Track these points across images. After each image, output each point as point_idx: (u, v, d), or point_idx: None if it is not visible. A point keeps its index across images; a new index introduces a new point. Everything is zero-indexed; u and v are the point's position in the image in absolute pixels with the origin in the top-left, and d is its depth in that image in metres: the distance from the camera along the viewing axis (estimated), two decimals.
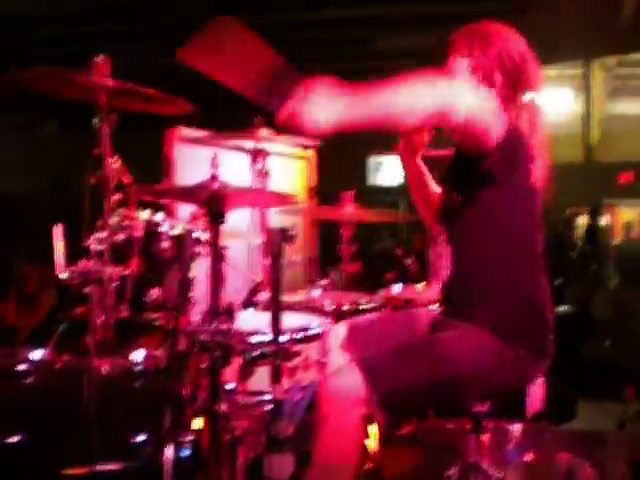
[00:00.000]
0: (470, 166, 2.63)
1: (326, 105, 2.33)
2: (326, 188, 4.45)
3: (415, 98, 2.38)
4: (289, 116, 2.32)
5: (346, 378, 2.51)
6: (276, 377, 2.11)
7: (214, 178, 2.28)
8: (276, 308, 2.08)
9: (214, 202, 2.29)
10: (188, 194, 2.52)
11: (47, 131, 17.58)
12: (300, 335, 2.77)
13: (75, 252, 2.98)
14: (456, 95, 2.42)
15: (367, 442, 3.79)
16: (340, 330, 2.95)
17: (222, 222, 2.33)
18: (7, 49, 12.51)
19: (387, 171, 15.45)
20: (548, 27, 9.83)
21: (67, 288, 2.91)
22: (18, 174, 14.10)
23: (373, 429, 3.74)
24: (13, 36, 12.49)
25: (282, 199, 2.48)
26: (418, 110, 2.39)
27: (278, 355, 2.06)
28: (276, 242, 2.07)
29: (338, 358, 2.85)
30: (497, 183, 2.60)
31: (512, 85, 2.71)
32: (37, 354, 2.53)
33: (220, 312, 2.34)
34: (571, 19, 11.32)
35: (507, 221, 2.66)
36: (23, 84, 2.83)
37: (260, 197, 2.61)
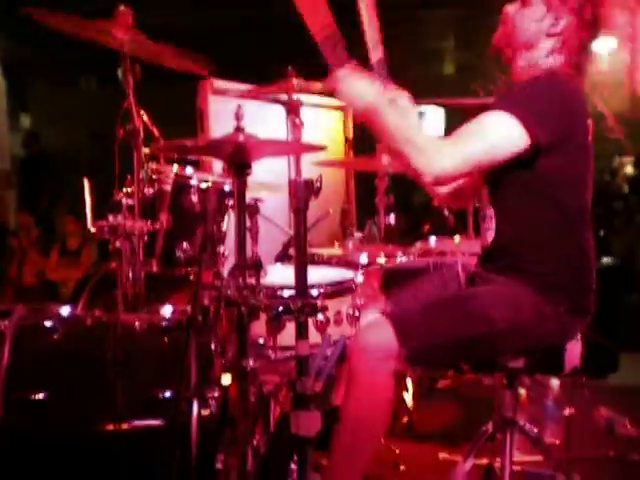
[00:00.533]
0: None
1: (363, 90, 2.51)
2: (368, 138, 4.37)
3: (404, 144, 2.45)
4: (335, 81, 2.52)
5: (377, 333, 2.47)
6: (301, 333, 2.06)
7: (238, 130, 2.22)
8: (300, 263, 2.03)
9: (237, 155, 2.23)
10: (210, 149, 2.46)
11: (87, 87, 17.65)
12: (330, 289, 2.73)
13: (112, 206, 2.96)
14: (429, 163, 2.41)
15: (404, 396, 3.78)
16: (374, 278, 2.90)
17: (247, 175, 2.27)
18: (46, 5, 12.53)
19: (430, 121, 15.26)
20: None
21: (108, 243, 2.90)
22: (59, 129, 14.17)
23: (409, 383, 3.72)
24: None
25: (309, 150, 2.41)
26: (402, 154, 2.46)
27: (302, 311, 2.02)
28: (300, 195, 2.01)
29: (371, 311, 2.82)
30: (548, 151, 2.51)
31: (582, 33, 2.61)
32: (65, 310, 2.51)
33: (248, 266, 2.30)
34: None
35: (556, 182, 2.56)
36: (46, 21, 2.80)
37: (286, 148, 2.54)
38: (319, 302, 2.10)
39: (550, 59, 2.63)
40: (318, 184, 2.06)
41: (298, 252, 2.02)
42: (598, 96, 2.70)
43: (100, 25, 2.81)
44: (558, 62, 2.63)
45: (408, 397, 3.75)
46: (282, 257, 3.51)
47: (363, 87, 2.53)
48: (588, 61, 2.66)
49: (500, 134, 2.45)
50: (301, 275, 2.04)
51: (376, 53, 2.85)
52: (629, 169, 12.38)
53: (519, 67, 2.68)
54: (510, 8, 2.69)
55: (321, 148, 2.41)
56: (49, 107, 15.96)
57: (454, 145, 2.43)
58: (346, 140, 5.35)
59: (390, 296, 2.82)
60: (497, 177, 2.60)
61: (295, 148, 2.47)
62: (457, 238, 4.04)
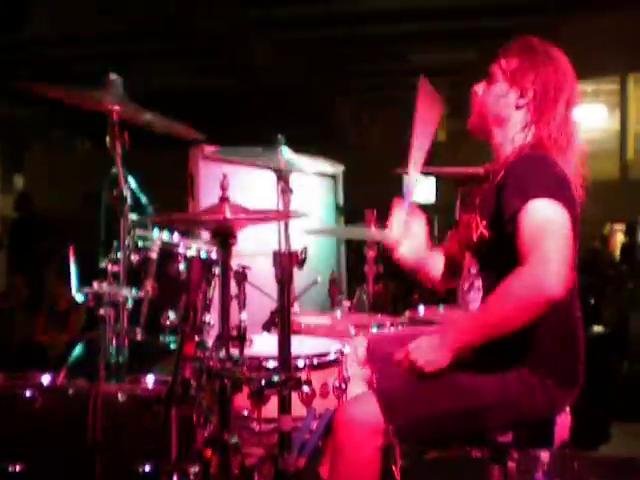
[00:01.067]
0: (502, 209, 2.52)
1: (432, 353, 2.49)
2: (362, 205, 4.42)
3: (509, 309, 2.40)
4: None
5: (363, 408, 2.44)
6: (284, 408, 2.03)
7: (223, 200, 2.21)
8: (284, 335, 2.01)
9: (222, 227, 2.22)
10: (196, 222, 2.44)
11: (82, 148, 17.78)
12: (317, 361, 2.70)
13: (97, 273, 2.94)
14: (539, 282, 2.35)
15: (392, 468, 3.70)
16: (360, 344, 2.87)
17: (232, 244, 2.26)
18: (41, 66, 12.69)
19: (422, 188, 15.33)
20: (584, 41, 9.71)
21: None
22: (53, 190, 14.23)
23: (396, 455, 3.65)
24: (51, 54, 12.66)
25: (292, 218, 2.38)
26: (517, 317, 2.40)
27: (286, 385, 1.98)
28: (284, 266, 1.99)
29: (357, 384, 2.78)
30: None
31: (551, 103, 2.63)
32: (46, 379, 2.47)
33: (231, 337, 2.27)
34: (607, 33, 11.18)
35: None
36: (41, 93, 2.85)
37: (272, 218, 2.52)
38: (303, 375, 2.06)
39: (525, 132, 2.65)
40: (303, 256, 2.04)
41: (282, 325, 2.00)
42: (587, 165, 2.71)
43: (92, 95, 2.83)
44: (534, 135, 2.64)
45: (395, 470, 3.68)
46: (270, 325, 3.48)
47: (431, 348, 2.51)
48: (568, 131, 2.66)
49: (556, 219, 2.42)
50: (285, 348, 2.02)
51: (415, 170, 2.89)
52: (620, 236, 12.43)
53: (497, 144, 2.71)
54: (477, 88, 2.75)
55: (303, 215, 2.38)
56: (44, 168, 16.05)
57: (539, 262, 2.36)
58: (337, 207, 5.36)
59: (376, 366, 2.79)
60: (486, 250, 2.59)
61: (279, 218, 2.44)
62: (441, 307, 4.03)
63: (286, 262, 1.99)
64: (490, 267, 2.62)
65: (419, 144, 2.93)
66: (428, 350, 2.49)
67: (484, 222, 2.61)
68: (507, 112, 2.67)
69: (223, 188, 2.20)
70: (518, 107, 2.66)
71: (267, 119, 11.86)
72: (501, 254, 2.54)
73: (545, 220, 2.40)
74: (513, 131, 2.67)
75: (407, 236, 2.98)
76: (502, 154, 2.70)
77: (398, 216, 2.99)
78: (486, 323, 2.46)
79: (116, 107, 2.83)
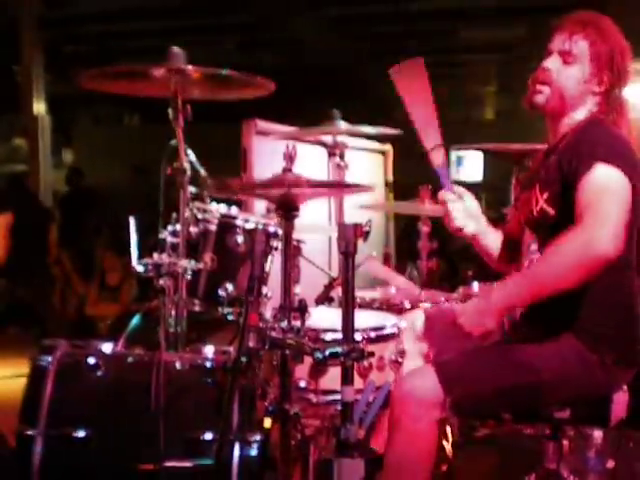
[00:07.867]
0: (568, 179, 2.52)
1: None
2: (408, 182, 4.40)
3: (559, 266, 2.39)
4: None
5: (421, 380, 2.46)
6: (347, 378, 2.04)
7: (287, 171, 2.22)
8: (348, 307, 2.01)
9: (286, 198, 2.23)
10: (259, 190, 2.46)
11: (129, 123, 17.90)
12: (374, 334, 2.70)
13: (154, 243, 2.97)
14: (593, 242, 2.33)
15: (443, 444, 3.71)
16: (417, 318, 2.88)
17: (295, 217, 2.27)
18: (91, 43, 12.77)
19: (468, 166, 15.22)
20: (635, 17, 9.48)
21: (148, 280, 2.90)
22: (101, 164, 14.36)
23: (449, 431, 3.66)
24: (97, 30, 12.72)
25: (357, 190, 2.39)
26: (568, 276, 2.39)
27: (349, 356, 2.00)
28: (349, 238, 1.99)
29: (413, 358, 2.79)
30: None
31: (615, 83, 2.62)
32: (108, 347, 2.51)
33: (293, 308, 2.28)
34: None
35: None
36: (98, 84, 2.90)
37: (335, 191, 2.53)
38: (366, 347, 2.07)
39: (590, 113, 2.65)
40: (367, 228, 2.05)
41: (346, 296, 2.01)
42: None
43: (152, 74, 2.85)
44: (598, 113, 2.64)
45: (447, 446, 3.69)
46: (323, 299, 3.49)
47: (476, 311, 2.51)
48: (623, 111, 2.64)
49: (618, 186, 2.42)
50: (349, 319, 2.02)
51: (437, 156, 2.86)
52: None
53: (564, 125, 2.68)
54: (550, 65, 2.65)
55: (368, 189, 2.38)
56: (92, 143, 16.21)
57: (594, 221, 2.36)
58: (386, 183, 5.36)
59: (433, 340, 2.80)
60: (546, 225, 2.58)
61: (347, 191, 2.44)
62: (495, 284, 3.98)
63: (351, 234, 1.99)
64: (550, 242, 2.60)
65: (424, 129, 2.88)
66: (474, 313, 2.50)
67: (544, 195, 2.59)
68: (585, 98, 2.65)
69: (289, 159, 2.20)
70: (594, 94, 2.64)
71: (315, 95, 11.83)
72: (561, 228, 2.53)
73: (606, 184, 2.40)
74: (583, 114, 2.65)
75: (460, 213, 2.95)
76: (561, 131, 2.67)
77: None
78: (535, 281, 2.46)
79: (180, 81, 2.84)
